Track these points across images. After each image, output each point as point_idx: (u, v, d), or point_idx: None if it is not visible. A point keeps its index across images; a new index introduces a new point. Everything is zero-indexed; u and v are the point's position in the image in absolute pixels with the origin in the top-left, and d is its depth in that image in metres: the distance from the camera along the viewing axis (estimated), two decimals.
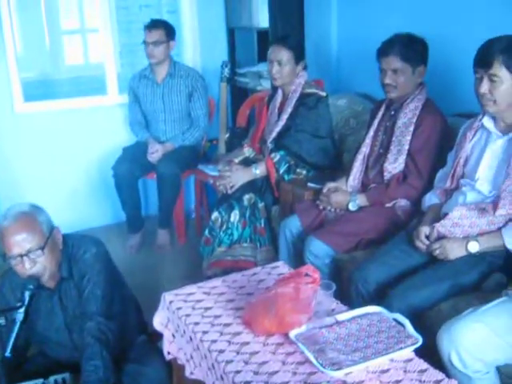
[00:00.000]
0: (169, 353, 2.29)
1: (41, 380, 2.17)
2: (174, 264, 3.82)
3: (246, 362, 1.83)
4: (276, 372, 1.77)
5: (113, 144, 4.25)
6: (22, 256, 1.98)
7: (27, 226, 2.00)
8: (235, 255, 3.10)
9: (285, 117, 3.25)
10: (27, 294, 1.86)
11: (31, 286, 1.91)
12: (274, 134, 3.27)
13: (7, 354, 1.68)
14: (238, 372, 1.78)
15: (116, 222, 4.32)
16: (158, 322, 2.30)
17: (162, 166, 3.82)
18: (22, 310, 1.75)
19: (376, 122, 2.89)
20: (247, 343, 1.93)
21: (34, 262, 2.00)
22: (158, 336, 2.47)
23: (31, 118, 4.14)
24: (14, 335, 1.73)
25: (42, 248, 2.01)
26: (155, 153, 3.89)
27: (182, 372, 2.20)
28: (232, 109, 4.61)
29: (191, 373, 2.12)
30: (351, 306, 2.13)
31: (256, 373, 1.77)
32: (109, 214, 4.39)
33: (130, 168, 3.87)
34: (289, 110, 3.24)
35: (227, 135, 4.21)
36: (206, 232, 3.22)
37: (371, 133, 2.89)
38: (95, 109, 4.34)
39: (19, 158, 4.09)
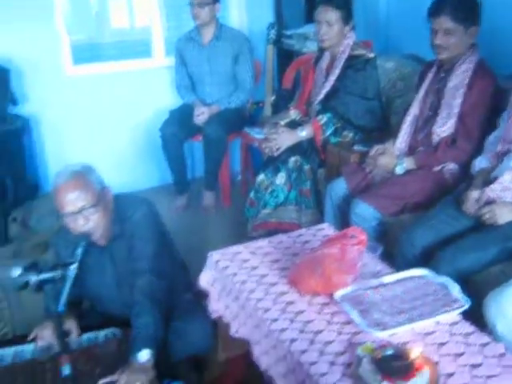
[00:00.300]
0: (214, 311, 2.34)
1: (93, 334, 2.25)
2: (219, 225, 3.87)
3: (292, 321, 1.86)
4: (321, 331, 1.80)
5: (160, 106, 4.30)
6: (74, 214, 2.04)
7: (80, 184, 2.05)
8: (280, 217, 3.12)
9: (332, 78, 3.21)
10: (79, 251, 1.91)
11: (83, 243, 1.96)
12: (320, 96, 3.25)
13: (60, 308, 1.74)
14: (283, 330, 1.81)
15: (163, 184, 4.39)
16: (204, 280, 2.35)
17: (208, 128, 3.85)
18: (74, 266, 1.80)
19: (426, 83, 2.83)
20: (293, 302, 1.95)
21: (86, 219, 2.06)
22: (204, 295, 2.53)
23: (80, 80, 4.21)
24: (66, 290, 1.79)
25: (94, 206, 2.06)
26: (201, 115, 3.92)
27: (227, 330, 2.24)
28: (278, 71, 4.58)
29: (236, 331, 2.16)
30: (396, 269, 2.13)
31: (301, 331, 1.80)
32: (156, 176, 4.46)
33: (177, 130, 3.91)
34: (336, 71, 3.20)
35: (273, 97, 4.20)
36: (252, 194, 3.24)
37: (420, 95, 2.84)
38: (142, 71, 4.38)
39: (68, 120, 4.17)
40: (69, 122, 4.17)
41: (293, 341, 1.76)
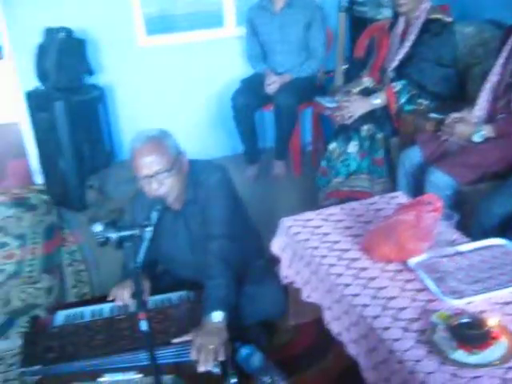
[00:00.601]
0: (286, 277, 2.36)
1: (166, 296, 2.31)
2: (290, 194, 3.87)
3: (365, 287, 1.85)
4: (394, 297, 1.78)
5: (231, 76, 4.31)
6: (149, 177, 2.08)
7: (156, 148, 2.09)
8: (352, 186, 3.09)
9: (407, 44, 3.12)
10: (154, 214, 1.95)
11: (159, 207, 2.00)
12: (395, 63, 3.17)
13: (138, 265, 1.80)
14: (355, 295, 1.81)
15: (234, 154, 4.43)
16: (276, 246, 2.37)
17: (279, 97, 3.83)
18: (149, 229, 1.84)
19: (506, 49, 2.71)
20: (366, 269, 1.95)
21: (160, 183, 2.10)
22: (275, 262, 2.55)
23: (153, 51, 4.26)
24: (142, 252, 1.84)
25: (169, 170, 2.10)
26: (272, 84, 3.90)
27: (298, 296, 2.26)
28: (350, 40, 4.49)
29: (308, 296, 2.17)
30: (472, 238, 2.08)
31: (374, 297, 1.79)
32: (227, 146, 4.49)
33: (248, 100, 3.91)
34: (412, 37, 3.11)
35: (345, 66, 4.13)
36: (323, 163, 3.22)
37: (501, 61, 2.72)
38: (213, 41, 4.38)
39: (142, 89, 4.25)
40: (142, 92, 4.24)
41: (365, 306, 1.76)
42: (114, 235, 1.47)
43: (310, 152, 4.44)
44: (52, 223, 3.72)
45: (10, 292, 3.00)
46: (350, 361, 1.86)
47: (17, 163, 4.77)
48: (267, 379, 2.16)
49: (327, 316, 2.00)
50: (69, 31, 3.68)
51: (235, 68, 4.37)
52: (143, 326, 1.58)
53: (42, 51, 3.66)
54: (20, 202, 4.07)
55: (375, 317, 1.70)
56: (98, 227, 1.46)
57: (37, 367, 1.90)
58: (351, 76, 3.87)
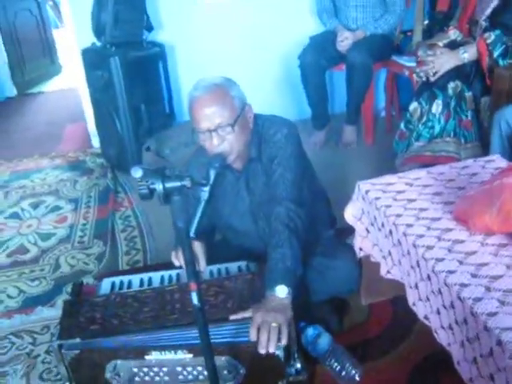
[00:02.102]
0: (361, 249, 2.06)
1: (224, 266, 2.05)
2: (361, 163, 3.54)
3: (461, 262, 1.52)
4: (500, 276, 1.45)
5: (299, 34, 3.96)
6: (210, 131, 1.82)
7: (219, 98, 1.82)
8: (435, 150, 2.72)
9: None
10: (212, 173, 1.69)
11: (217, 165, 1.74)
12: (488, 11, 2.76)
13: (192, 234, 1.54)
14: (451, 272, 1.49)
15: (300, 119, 4.08)
16: (350, 214, 2.07)
17: (352, 54, 3.47)
18: (206, 189, 1.59)
19: None
20: (461, 241, 1.62)
21: (222, 138, 1.83)
22: (347, 232, 2.26)
23: (216, 7, 3.98)
24: (198, 214, 1.58)
25: (233, 125, 1.82)
26: (345, 40, 3.55)
27: (374, 270, 1.96)
28: None
29: (388, 272, 1.87)
30: None
31: (474, 275, 1.46)
32: (293, 110, 4.17)
33: (318, 58, 3.57)
34: None
35: (426, 22, 3.74)
36: (402, 125, 2.86)
37: None
38: None
39: (203, 48, 3.99)
40: (204, 51, 3.98)
41: (463, 286, 1.43)
42: (159, 186, 1.20)
43: (384, 118, 4.08)
44: (107, 187, 3.54)
45: (59, 257, 2.83)
46: (433, 348, 1.60)
47: (74, 127, 4.66)
48: (336, 365, 1.89)
49: (412, 296, 1.69)
50: None
51: (303, 25, 4.03)
52: (194, 298, 1.31)
53: (99, 4, 3.42)
54: (75, 165, 3.94)
55: (477, 299, 1.38)
56: (137, 172, 1.19)
57: (75, 340, 1.68)
58: (434, 33, 3.47)
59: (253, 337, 1.62)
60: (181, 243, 1.28)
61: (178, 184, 1.22)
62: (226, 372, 1.68)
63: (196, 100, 1.84)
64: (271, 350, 1.61)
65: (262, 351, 1.61)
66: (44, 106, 5.62)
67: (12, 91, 5.94)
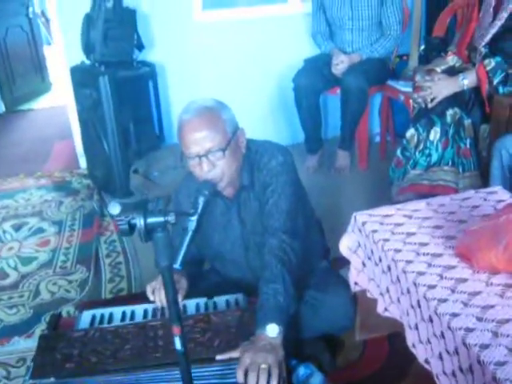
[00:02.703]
0: (356, 283, 1.96)
1: (211, 299, 1.94)
2: (355, 189, 3.45)
3: (465, 304, 1.43)
4: (507, 321, 1.36)
5: (293, 56, 3.89)
6: (200, 156, 1.72)
7: (210, 122, 1.72)
8: (433, 179, 2.63)
9: (504, 15, 2.63)
10: (201, 200, 1.57)
11: (206, 192, 1.62)
12: (488, 38, 2.69)
13: (177, 266, 1.43)
14: (455, 315, 1.39)
15: (293, 143, 4.01)
16: (345, 246, 1.97)
17: (347, 78, 3.40)
18: (194, 218, 1.47)
19: None
20: (464, 280, 1.52)
21: (212, 164, 1.73)
22: (340, 263, 2.16)
23: (209, 27, 3.90)
24: (185, 245, 1.47)
25: (224, 150, 1.73)
26: (340, 64, 3.47)
27: (370, 306, 1.86)
28: (426, 19, 4.05)
29: (385, 309, 1.77)
30: None
31: (480, 319, 1.37)
32: (286, 134, 4.10)
33: (312, 81, 3.49)
34: (509, 6, 2.63)
35: (422, 47, 3.69)
36: (398, 152, 2.77)
37: None
38: (275, 18, 4.00)
39: (195, 68, 3.91)
40: (196, 71, 3.90)
41: (468, 330, 1.33)
42: (140, 221, 1.09)
43: (378, 144, 4.01)
44: (92, 209, 3.42)
45: (40, 283, 2.70)
46: None
47: (62, 145, 4.56)
48: None
49: (411, 337, 1.59)
50: (119, 0, 3.34)
51: (298, 47, 3.96)
52: (177, 343, 1.20)
53: (89, 21, 3.34)
54: (61, 186, 3.82)
55: (484, 346, 1.28)
56: (115, 209, 1.08)
57: (49, 380, 1.56)
58: (430, 58, 3.41)
59: (240, 379, 1.51)
60: (164, 283, 1.17)
61: (161, 219, 1.11)
62: None
63: (186, 123, 1.74)
64: None
65: None
66: (33, 123, 5.51)
67: (0, 108, 5.83)
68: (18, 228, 3.28)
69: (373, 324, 2.05)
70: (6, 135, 5.12)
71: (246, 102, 3.99)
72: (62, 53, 3.79)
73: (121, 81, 3.33)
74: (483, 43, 2.73)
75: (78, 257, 2.91)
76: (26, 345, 2.26)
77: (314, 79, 3.50)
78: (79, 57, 3.45)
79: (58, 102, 5.88)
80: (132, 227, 1.11)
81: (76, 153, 4.08)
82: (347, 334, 2.10)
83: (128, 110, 3.41)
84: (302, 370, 1.85)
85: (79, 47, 3.40)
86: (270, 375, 1.51)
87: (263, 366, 1.51)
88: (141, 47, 3.53)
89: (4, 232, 3.24)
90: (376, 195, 3.16)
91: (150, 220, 1.11)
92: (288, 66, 3.87)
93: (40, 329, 2.34)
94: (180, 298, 1.81)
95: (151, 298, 1.84)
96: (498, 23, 2.68)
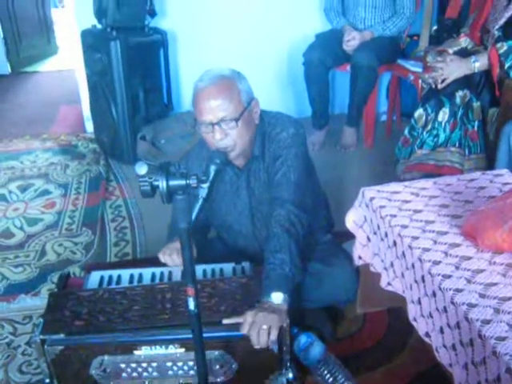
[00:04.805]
0: (360, 257, 2.00)
1: (218, 266, 1.97)
2: (360, 166, 3.48)
3: (469, 281, 1.46)
4: (509, 298, 1.39)
5: (304, 31, 3.90)
6: (213, 124, 1.74)
7: (225, 91, 1.74)
8: (439, 160, 2.65)
9: None
10: (212, 169, 1.58)
11: (218, 161, 1.63)
12: (502, 21, 2.69)
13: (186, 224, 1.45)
14: (458, 290, 1.43)
15: (300, 117, 4.00)
16: (352, 220, 2.00)
17: (358, 55, 3.40)
18: (205, 186, 1.49)
19: None
20: (469, 258, 1.56)
21: (225, 133, 1.76)
22: (343, 237, 2.19)
23: None
24: (195, 212, 1.49)
25: (237, 120, 1.75)
26: (352, 40, 3.47)
27: (373, 280, 1.90)
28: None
29: (388, 283, 1.81)
30: None
31: (482, 295, 1.40)
32: (294, 107, 4.10)
33: (323, 56, 3.49)
34: None
35: (434, 28, 3.67)
36: (406, 131, 2.79)
37: None
38: None
39: (206, 38, 3.90)
40: (207, 41, 3.89)
41: (471, 306, 1.37)
42: (162, 183, 1.12)
43: (384, 123, 4.02)
44: (98, 174, 3.44)
45: (46, 244, 2.74)
46: (429, 364, 1.58)
47: (68, 109, 4.55)
48: (328, 376, 1.81)
49: (413, 311, 1.63)
50: None
51: (310, 21, 3.96)
52: (191, 304, 1.24)
53: None
54: (67, 149, 3.84)
55: (486, 321, 1.32)
56: (142, 169, 1.11)
57: (59, 336, 1.60)
58: (442, 39, 3.40)
59: (244, 331, 1.56)
60: (181, 245, 1.20)
61: (182, 182, 1.14)
62: (217, 367, 1.62)
63: (201, 91, 1.76)
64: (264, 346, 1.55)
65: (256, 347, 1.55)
66: (39, 85, 5.50)
67: (6, 69, 5.80)
68: (23, 189, 3.30)
69: (374, 298, 2.09)
70: (11, 96, 5.12)
71: (255, 74, 3.94)
72: (73, 16, 3.78)
73: (132, 47, 3.33)
74: (497, 26, 2.72)
75: (84, 220, 2.95)
76: (33, 302, 2.31)
77: (324, 55, 3.49)
78: (90, 21, 3.44)
79: (64, 65, 5.87)
80: (154, 189, 1.14)
81: (83, 117, 4.08)
82: (348, 307, 2.15)
83: (138, 76, 3.42)
84: (303, 339, 1.88)
85: (90, 11, 3.39)
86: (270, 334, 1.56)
87: (264, 326, 1.55)
88: (153, 14, 3.52)
89: (10, 192, 3.27)
90: (381, 173, 3.18)
91: (172, 183, 1.14)
92: (299, 41, 3.86)
93: (46, 288, 2.39)
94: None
95: (163, 260, 1.87)
96: None
